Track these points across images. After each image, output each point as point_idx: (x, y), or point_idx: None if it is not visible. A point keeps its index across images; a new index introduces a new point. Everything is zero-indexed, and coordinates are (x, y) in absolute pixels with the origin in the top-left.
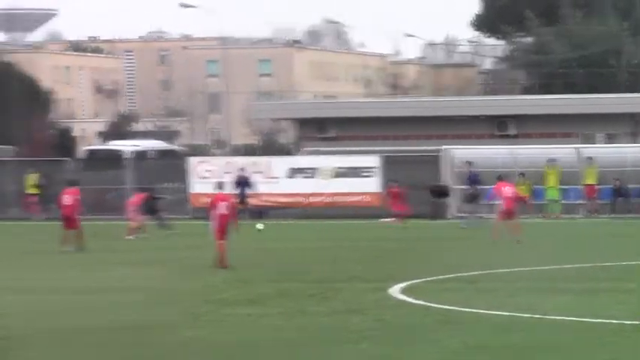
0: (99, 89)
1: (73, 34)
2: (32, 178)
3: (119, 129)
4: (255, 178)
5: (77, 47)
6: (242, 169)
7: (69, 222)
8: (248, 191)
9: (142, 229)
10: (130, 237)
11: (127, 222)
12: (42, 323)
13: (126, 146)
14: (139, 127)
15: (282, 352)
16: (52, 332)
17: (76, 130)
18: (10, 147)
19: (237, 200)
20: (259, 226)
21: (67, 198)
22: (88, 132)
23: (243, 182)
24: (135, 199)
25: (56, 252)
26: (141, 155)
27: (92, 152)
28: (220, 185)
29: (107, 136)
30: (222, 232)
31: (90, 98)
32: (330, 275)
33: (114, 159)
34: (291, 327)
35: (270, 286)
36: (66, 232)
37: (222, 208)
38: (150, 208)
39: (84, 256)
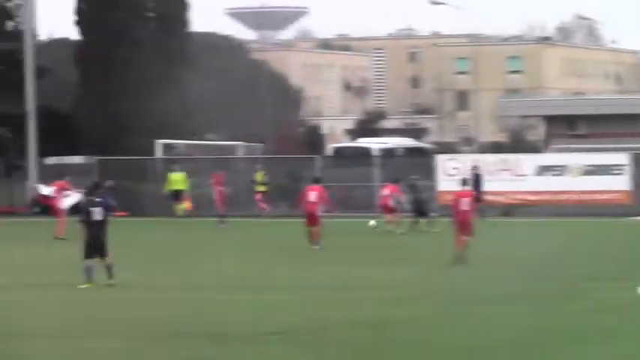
0: (348, 87)
1: (322, 32)
2: (259, 176)
3: (367, 126)
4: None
5: (327, 45)
6: (475, 167)
7: (312, 219)
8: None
9: (397, 225)
10: (399, 231)
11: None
12: (286, 320)
13: (374, 144)
14: (387, 124)
15: (528, 351)
16: (296, 329)
17: (325, 128)
18: (260, 144)
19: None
20: (372, 222)
21: (312, 195)
22: (336, 129)
23: (476, 179)
24: (388, 191)
25: (304, 249)
26: (389, 153)
27: (340, 150)
28: (465, 182)
29: (355, 133)
30: (463, 228)
31: (338, 96)
32: (578, 273)
33: (362, 156)
34: (538, 326)
35: (516, 284)
36: (311, 230)
37: (464, 204)
38: (417, 204)
39: (327, 253)
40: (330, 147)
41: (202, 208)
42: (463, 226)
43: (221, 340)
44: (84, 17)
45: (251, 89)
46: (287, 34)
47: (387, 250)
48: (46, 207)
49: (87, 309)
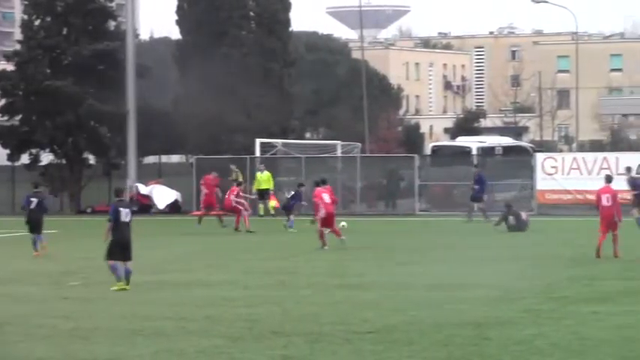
0: (448, 85)
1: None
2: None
3: (466, 125)
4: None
5: (427, 44)
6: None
7: (330, 221)
8: None
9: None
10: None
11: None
12: (380, 319)
13: (473, 142)
14: (486, 123)
15: (628, 350)
16: (391, 328)
17: (424, 127)
18: (358, 143)
19: None
20: (343, 224)
21: (326, 197)
22: (435, 128)
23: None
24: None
25: (398, 247)
26: (488, 151)
27: (439, 148)
28: (609, 179)
29: (454, 132)
30: (608, 224)
31: (438, 95)
32: None
33: (461, 155)
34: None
35: (618, 284)
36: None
37: (606, 200)
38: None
39: (424, 252)
40: (429, 146)
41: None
42: (607, 222)
43: (316, 340)
44: (185, 16)
45: (350, 88)
46: (388, 32)
47: (484, 249)
48: (144, 206)
49: (183, 308)
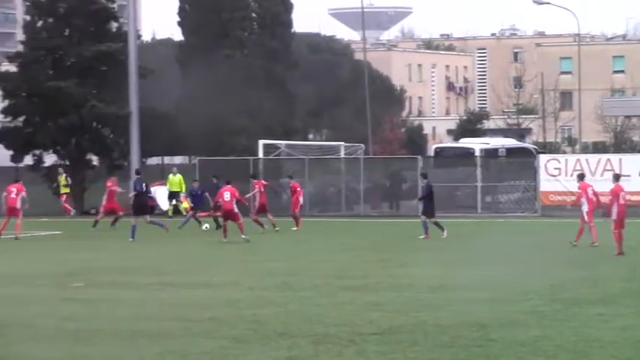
0: (450, 87)
1: (425, 32)
2: (62, 179)
3: (469, 127)
4: None
5: (429, 45)
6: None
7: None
8: None
9: None
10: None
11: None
12: (385, 321)
13: (476, 144)
14: (489, 124)
15: (633, 352)
16: (396, 329)
17: (427, 128)
18: (361, 145)
19: None
20: (206, 226)
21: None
22: (438, 130)
23: None
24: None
25: (406, 249)
26: (491, 153)
27: (442, 150)
28: (617, 177)
29: (457, 133)
30: (621, 222)
31: (441, 96)
32: None
33: (464, 157)
34: None
35: (623, 285)
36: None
37: (621, 198)
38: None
39: (429, 253)
40: (432, 147)
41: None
42: (621, 219)
43: (321, 341)
44: (187, 18)
45: (353, 89)
46: (390, 34)
47: (486, 250)
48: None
49: (186, 309)
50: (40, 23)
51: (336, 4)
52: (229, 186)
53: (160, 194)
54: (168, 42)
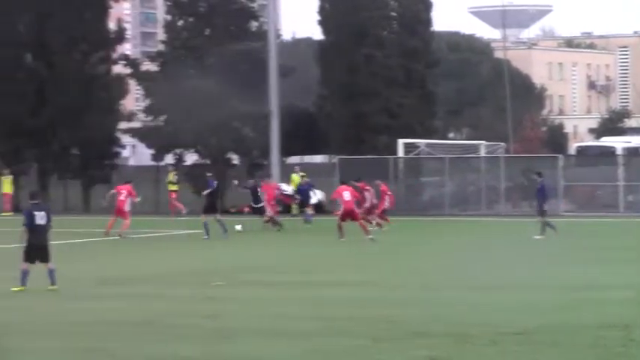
0: (591, 85)
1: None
2: (171, 175)
3: (611, 125)
4: None
5: (570, 43)
6: None
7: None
8: None
9: None
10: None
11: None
12: (526, 321)
13: (618, 143)
14: (631, 123)
15: None
16: (538, 330)
17: (568, 127)
18: (502, 143)
19: None
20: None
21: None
22: (579, 128)
23: None
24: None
25: (542, 248)
26: (633, 152)
27: (584, 149)
28: None
29: (599, 132)
30: None
31: (582, 94)
32: None
33: (606, 155)
34: None
35: None
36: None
37: None
38: None
39: (569, 253)
40: (573, 146)
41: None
42: None
43: (461, 341)
44: (327, 17)
45: (493, 88)
46: (531, 32)
47: (630, 251)
48: (287, 205)
49: (326, 308)
50: (180, 23)
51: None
52: (347, 185)
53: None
54: (308, 41)
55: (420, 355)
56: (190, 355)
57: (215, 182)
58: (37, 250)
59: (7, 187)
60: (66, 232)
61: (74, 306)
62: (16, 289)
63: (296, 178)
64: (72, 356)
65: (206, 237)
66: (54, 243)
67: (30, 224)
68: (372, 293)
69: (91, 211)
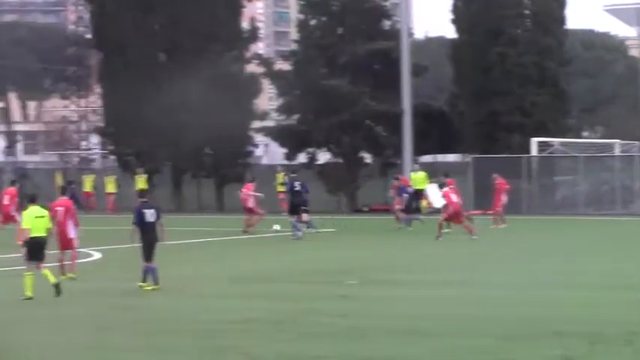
0: None
1: None
2: (280, 177)
3: None
4: None
5: None
6: None
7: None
8: None
9: None
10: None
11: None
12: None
13: None
14: None
15: None
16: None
17: None
18: (637, 142)
19: None
20: (277, 226)
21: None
22: None
23: None
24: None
25: None
26: None
27: None
28: None
29: None
30: None
31: None
32: None
33: None
34: None
35: None
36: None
37: None
38: None
39: None
40: None
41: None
42: None
43: (596, 340)
44: (460, 15)
45: (628, 86)
46: None
47: None
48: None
49: (464, 308)
50: (313, 22)
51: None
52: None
53: (433, 192)
54: (440, 40)
55: (554, 355)
56: (323, 354)
57: (298, 183)
58: (148, 247)
59: (142, 186)
60: (199, 230)
61: (204, 304)
62: (148, 287)
63: (416, 177)
64: (205, 354)
65: (297, 234)
66: (187, 242)
67: (140, 222)
68: (502, 292)
69: (225, 209)
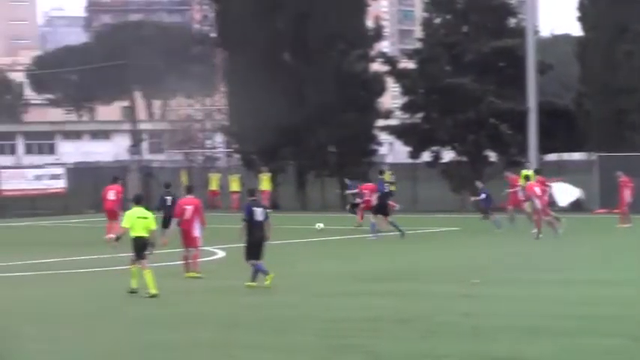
0: None
1: None
2: (387, 176)
3: None
4: None
5: None
6: None
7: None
8: None
9: None
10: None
11: None
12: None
13: None
14: None
15: None
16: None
17: None
18: None
19: None
20: (320, 225)
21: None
22: None
23: None
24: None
25: None
26: None
27: None
28: None
29: None
30: None
31: None
32: None
33: None
34: None
35: None
36: None
37: None
38: None
39: None
40: None
41: None
42: None
43: None
44: (586, 13)
45: None
46: None
47: None
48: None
49: (585, 307)
50: (438, 20)
51: None
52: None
53: (559, 190)
54: (566, 38)
55: None
56: (449, 353)
57: (385, 184)
58: (256, 246)
59: (266, 185)
60: (325, 229)
61: (329, 303)
62: (267, 281)
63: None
64: (330, 353)
65: (372, 237)
66: (312, 240)
67: (250, 219)
68: (626, 291)
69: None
